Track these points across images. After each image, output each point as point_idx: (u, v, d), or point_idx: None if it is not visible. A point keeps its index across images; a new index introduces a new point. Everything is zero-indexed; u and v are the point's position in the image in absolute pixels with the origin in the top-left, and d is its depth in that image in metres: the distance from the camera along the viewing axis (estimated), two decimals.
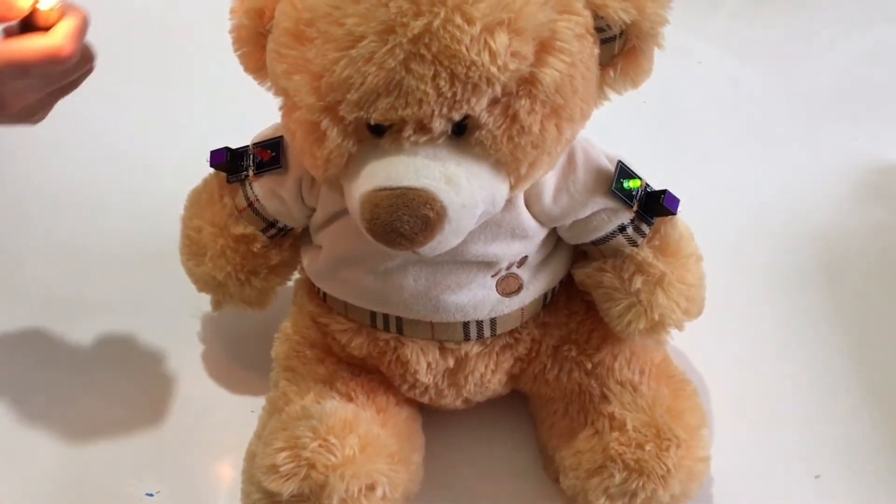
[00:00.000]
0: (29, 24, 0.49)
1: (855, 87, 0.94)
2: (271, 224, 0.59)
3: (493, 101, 0.44)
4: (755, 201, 0.80)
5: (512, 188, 0.48)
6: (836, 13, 1.03)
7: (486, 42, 0.41)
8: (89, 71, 0.53)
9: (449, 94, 0.42)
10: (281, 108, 0.50)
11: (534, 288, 0.56)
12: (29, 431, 0.64)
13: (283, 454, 0.51)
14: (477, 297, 0.54)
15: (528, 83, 0.44)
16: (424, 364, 0.56)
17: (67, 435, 0.64)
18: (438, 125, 0.43)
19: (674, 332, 0.57)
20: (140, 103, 0.88)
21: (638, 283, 0.54)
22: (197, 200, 0.61)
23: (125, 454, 0.62)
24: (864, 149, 0.86)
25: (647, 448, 0.53)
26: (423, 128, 0.44)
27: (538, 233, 0.54)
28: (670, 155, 0.84)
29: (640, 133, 0.86)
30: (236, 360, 0.68)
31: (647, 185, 0.54)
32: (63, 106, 0.84)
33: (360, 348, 0.57)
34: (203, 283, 0.61)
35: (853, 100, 0.92)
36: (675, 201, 0.54)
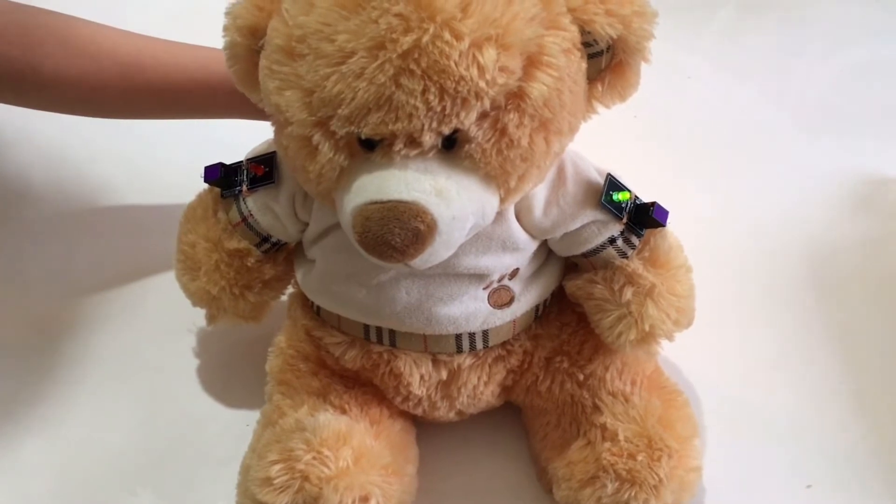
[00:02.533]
0: None
1: (845, 101, 0.94)
2: (265, 239, 0.59)
3: (482, 115, 0.44)
4: (745, 213, 0.81)
5: (502, 201, 0.48)
6: (826, 28, 1.04)
7: (474, 57, 0.42)
8: None
9: (438, 109, 0.43)
10: (273, 124, 0.50)
11: (525, 300, 0.56)
12: (24, 447, 0.64)
13: (277, 466, 0.51)
14: (469, 310, 0.55)
15: (516, 97, 0.44)
16: (417, 376, 0.57)
17: (63, 450, 0.64)
18: (428, 139, 0.44)
19: (665, 343, 0.57)
20: (134, 122, 0.88)
21: (628, 294, 0.55)
22: (191, 216, 0.61)
23: (120, 468, 0.63)
24: (855, 162, 0.86)
25: (639, 458, 0.53)
26: (413, 142, 0.44)
27: (529, 245, 0.55)
28: (660, 168, 0.84)
29: (630, 147, 0.86)
30: (231, 374, 0.68)
31: (637, 197, 0.55)
32: (58, 121, 0.85)
33: (354, 361, 0.58)
34: (197, 298, 0.62)
35: (843, 114, 0.92)
36: (664, 213, 0.55)
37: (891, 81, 0.96)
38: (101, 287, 0.75)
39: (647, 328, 0.55)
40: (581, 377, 0.58)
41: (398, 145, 0.44)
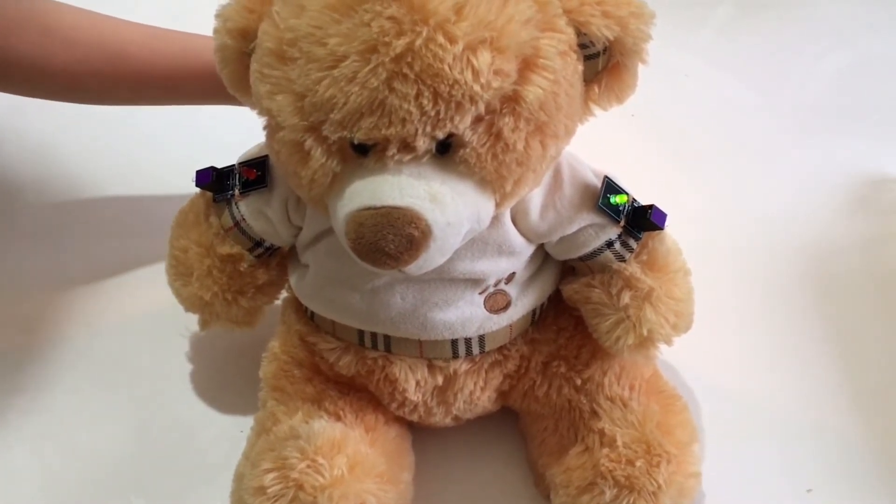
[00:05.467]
0: None
1: (842, 99, 0.94)
2: (258, 243, 0.58)
3: (477, 119, 0.44)
4: (743, 214, 0.81)
5: (497, 205, 0.48)
6: (822, 26, 1.04)
7: (468, 60, 0.41)
8: None
9: (432, 113, 0.42)
10: (265, 128, 0.50)
11: (522, 304, 0.56)
12: (15, 454, 0.63)
13: (271, 475, 0.50)
14: (465, 315, 0.54)
15: (511, 101, 0.44)
16: (413, 382, 0.56)
17: (55, 457, 0.63)
18: (422, 144, 0.43)
19: (663, 347, 0.56)
20: (127, 122, 0.88)
21: (626, 298, 0.54)
22: (183, 220, 0.61)
23: (113, 475, 0.62)
24: (852, 161, 0.86)
25: (638, 464, 0.52)
26: (407, 147, 0.44)
27: (525, 249, 0.54)
28: (658, 168, 0.84)
29: (627, 147, 0.86)
30: (224, 380, 0.67)
31: (634, 200, 0.54)
32: (51, 125, 0.84)
33: (349, 367, 0.57)
34: (190, 304, 0.61)
35: (840, 113, 0.92)
36: (662, 216, 0.54)
37: (889, 80, 0.96)
38: (93, 291, 0.74)
39: (645, 332, 0.54)
40: (579, 382, 0.58)
41: (391, 150, 0.44)
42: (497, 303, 0.55)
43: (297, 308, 0.60)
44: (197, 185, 0.58)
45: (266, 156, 0.55)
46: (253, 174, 0.56)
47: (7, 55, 0.62)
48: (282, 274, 0.61)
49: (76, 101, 0.70)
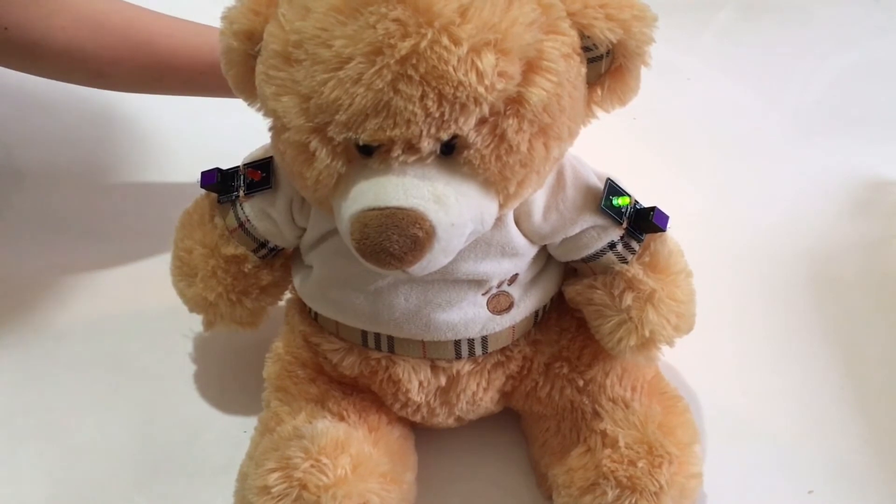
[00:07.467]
0: None
1: (844, 102, 0.94)
2: (262, 244, 0.59)
3: (481, 121, 0.44)
4: (745, 217, 0.81)
5: (501, 207, 0.48)
6: (824, 29, 1.04)
7: (473, 62, 0.42)
8: None
9: (437, 115, 0.42)
10: (270, 129, 0.50)
11: (525, 305, 0.56)
12: (18, 454, 0.63)
13: (275, 475, 0.51)
14: (468, 316, 0.54)
15: (515, 103, 0.44)
16: (416, 383, 0.56)
17: (58, 457, 0.63)
18: (427, 145, 0.44)
19: (665, 348, 0.57)
20: (130, 125, 0.88)
21: (628, 299, 0.54)
22: (188, 221, 0.61)
23: (116, 475, 0.62)
24: (854, 164, 0.86)
25: (640, 465, 0.53)
26: (411, 148, 0.44)
27: (528, 250, 0.54)
28: (660, 170, 0.84)
29: (630, 149, 0.86)
30: (228, 381, 0.68)
31: (636, 202, 0.55)
32: (54, 127, 0.84)
33: (352, 368, 0.57)
34: (194, 304, 0.61)
35: (842, 115, 0.92)
36: (665, 218, 0.54)
37: (890, 83, 0.96)
38: (96, 291, 0.74)
39: (647, 334, 0.55)
40: (581, 383, 0.58)
41: (396, 151, 0.44)
42: (500, 304, 0.55)
43: (301, 309, 0.61)
44: (202, 186, 0.58)
45: (271, 157, 0.56)
46: (258, 175, 0.56)
47: (40, 39, 0.63)
48: (286, 275, 0.61)
49: (102, 87, 0.71)
